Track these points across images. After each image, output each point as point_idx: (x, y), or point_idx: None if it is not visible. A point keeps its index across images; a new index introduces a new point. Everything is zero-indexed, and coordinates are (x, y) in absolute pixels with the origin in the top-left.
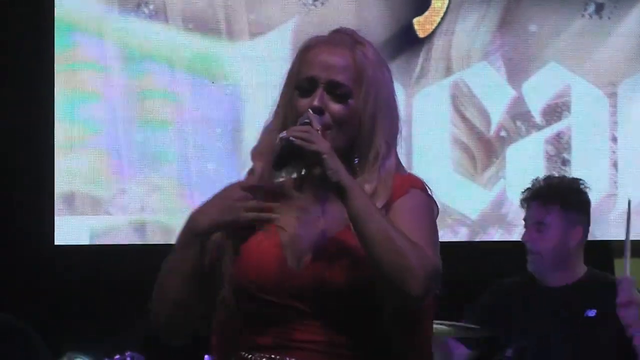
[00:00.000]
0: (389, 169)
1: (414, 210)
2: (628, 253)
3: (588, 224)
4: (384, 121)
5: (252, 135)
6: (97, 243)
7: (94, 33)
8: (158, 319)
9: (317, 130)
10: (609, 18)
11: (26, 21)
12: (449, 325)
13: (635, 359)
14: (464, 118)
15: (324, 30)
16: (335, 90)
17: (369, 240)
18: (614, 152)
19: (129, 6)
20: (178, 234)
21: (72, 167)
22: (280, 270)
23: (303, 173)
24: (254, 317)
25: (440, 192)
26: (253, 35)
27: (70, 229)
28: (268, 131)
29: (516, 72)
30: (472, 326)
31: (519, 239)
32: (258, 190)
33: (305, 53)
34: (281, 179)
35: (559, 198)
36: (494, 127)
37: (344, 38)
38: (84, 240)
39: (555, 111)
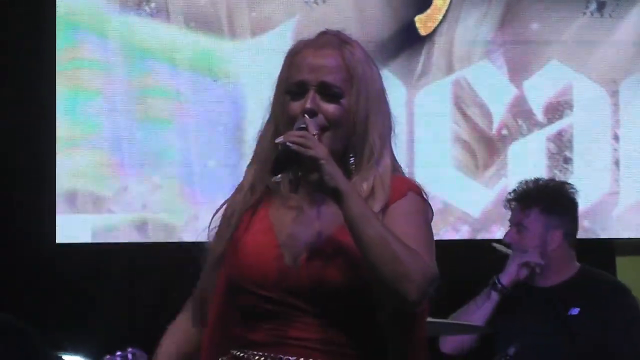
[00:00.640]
0: (385, 168)
1: (411, 214)
2: None
3: (572, 227)
4: (376, 118)
5: (254, 133)
6: (99, 241)
7: (96, 31)
8: None
9: (314, 135)
10: (611, 16)
11: (27, 19)
12: (450, 323)
13: (615, 357)
14: (465, 116)
15: (325, 26)
16: (327, 91)
17: (366, 245)
18: (615, 150)
19: (130, 4)
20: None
21: (73, 165)
22: (277, 268)
23: (299, 175)
24: (249, 314)
25: (441, 190)
26: (255, 33)
27: (71, 228)
28: (262, 139)
29: (518, 70)
30: (472, 324)
31: None
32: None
33: (293, 57)
34: (277, 180)
35: (539, 201)
36: (495, 125)
37: (330, 39)
38: (86, 239)
39: (557, 109)
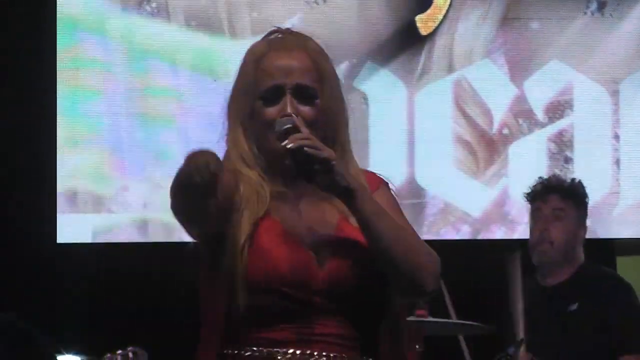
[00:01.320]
0: (355, 164)
1: (394, 207)
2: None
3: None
4: (344, 114)
5: None
6: (100, 241)
7: (97, 30)
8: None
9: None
10: (612, 15)
11: (28, 19)
12: (452, 323)
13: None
14: (466, 116)
15: (328, 28)
16: (303, 94)
17: (382, 241)
18: (616, 149)
19: (131, 4)
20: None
21: (74, 164)
22: (306, 269)
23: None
24: (270, 314)
25: (442, 190)
26: (255, 33)
27: (72, 227)
28: (236, 145)
29: (518, 70)
30: (475, 323)
31: (522, 237)
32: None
33: (259, 61)
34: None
35: (574, 195)
36: (496, 125)
37: (293, 39)
38: (87, 239)
39: (558, 109)
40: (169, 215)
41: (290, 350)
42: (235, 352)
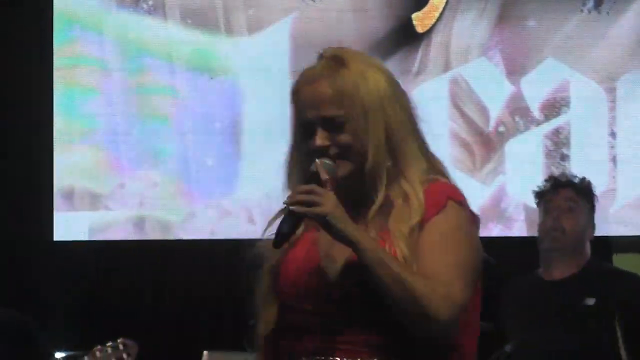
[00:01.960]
0: (412, 176)
1: (448, 233)
2: None
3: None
4: (382, 128)
5: (251, 130)
6: (96, 239)
7: (93, 28)
8: None
9: (326, 179)
10: (608, 13)
11: (25, 16)
12: None
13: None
14: (462, 113)
15: (323, 25)
16: (331, 124)
17: (384, 290)
18: (612, 147)
19: (127, 1)
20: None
21: (71, 162)
22: (320, 281)
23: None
24: (297, 327)
25: None
26: (252, 30)
27: (69, 225)
28: (288, 164)
29: (515, 68)
30: None
31: (519, 235)
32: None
33: (295, 95)
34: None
35: (586, 192)
36: (492, 123)
37: (322, 67)
38: (83, 236)
39: (554, 106)
40: (165, 213)
41: (313, 358)
42: None
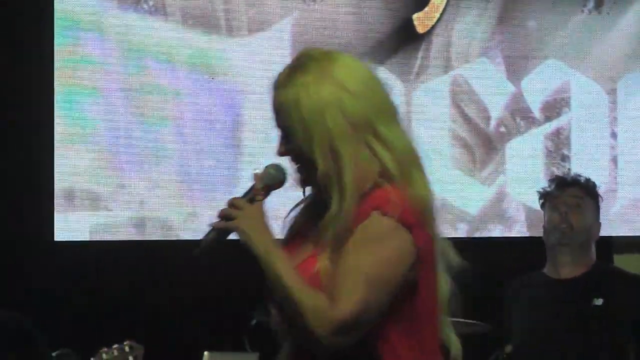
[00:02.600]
0: (344, 187)
1: (362, 242)
2: None
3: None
4: (319, 138)
5: (251, 131)
6: (97, 239)
7: (94, 29)
8: None
9: (258, 189)
10: (609, 14)
11: (26, 16)
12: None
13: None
14: (463, 114)
15: (324, 26)
16: (284, 132)
17: (280, 304)
18: (613, 147)
19: (128, 2)
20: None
21: (71, 163)
22: None
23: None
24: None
25: (440, 188)
26: (252, 31)
27: (70, 225)
28: None
29: (515, 68)
30: (469, 321)
31: (518, 235)
32: None
33: None
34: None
35: (591, 192)
36: (493, 123)
37: (282, 75)
38: (84, 237)
39: (555, 107)
40: (166, 213)
41: None
42: None
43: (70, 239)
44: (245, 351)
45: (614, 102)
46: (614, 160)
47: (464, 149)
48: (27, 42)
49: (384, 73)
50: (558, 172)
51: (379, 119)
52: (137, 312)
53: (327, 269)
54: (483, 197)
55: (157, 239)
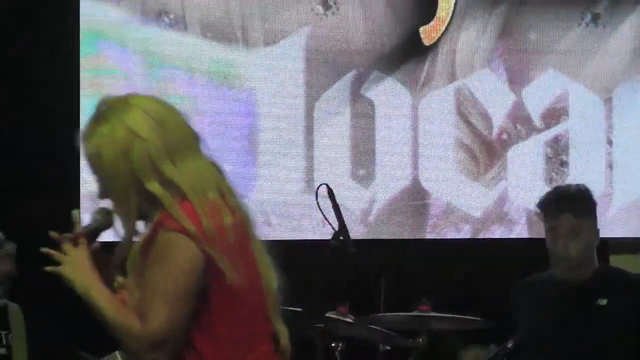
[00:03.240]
0: (128, 216)
1: (154, 263)
2: None
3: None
4: (104, 174)
5: (267, 137)
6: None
7: (117, 41)
8: None
9: (78, 233)
10: (605, 27)
11: (53, 29)
12: (449, 318)
13: None
14: (467, 122)
15: (335, 38)
16: (96, 179)
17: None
18: (609, 153)
19: (150, 15)
20: None
21: None
22: None
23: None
24: None
25: (445, 192)
26: (267, 43)
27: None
28: None
29: (517, 78)
30: (472, 318)
31: (519, 236)
32: None
33: None
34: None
35: (588, 209)
36: (495, 130)
37: (86, 126)
38: (109, 237)
39: (554, 115)
40: None
41: None
42: None
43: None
44: None
45: (609, 110)
46: (610, 165)
47: (468, 155)
48: (54, 53)
49: (392, 82)
50: (557, 177)
51: (174, 154)
52: None
53: (131, 292)
54: (486, 200)
55: None
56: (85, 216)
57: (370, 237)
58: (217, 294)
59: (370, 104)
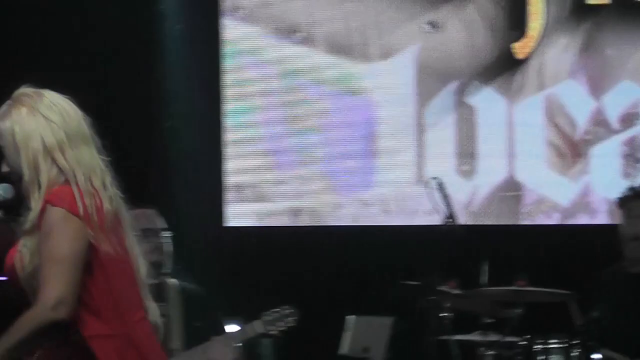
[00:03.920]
0: (38, 191)
1: (45, 235)
2: None
3: None
4: (22, 158)
5: (384, 137)
6: (261, 225)
7: (256, 55)
8: None
9: None
10: None
11: (201, 45)
12: (542, 292)
13: None
14: (555, 124)
15: (442, 53)
16: (4, 155)
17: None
18: None
19: (283, 33)
20: None
21: (240, 163)
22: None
23: None
24: None
25: (536, 184)
26: (383, 57)
27: (239, 214)
28: None
29: (597, 88)
30: (561, 291)
31: (601, 222)
32: None
33: None
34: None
35: None
36: (579, 132)
37: (4, 107)
38: (251, 223)
39: (629, 119)
40: (317, 204)
41: None
42: None
43: (240, 225)
44: (382, 316)
45: None
46: None
47: (556, 153)
48: (203, 66)
49: (490, 91)
50: (633, 171)
51: (69, 142)
52: (294, 283)
53: (22, 254)
54: (572, 191)
55: (308, 224)
56: None
57: (473, 223)
58: (98, 265)
59: (471, 109)
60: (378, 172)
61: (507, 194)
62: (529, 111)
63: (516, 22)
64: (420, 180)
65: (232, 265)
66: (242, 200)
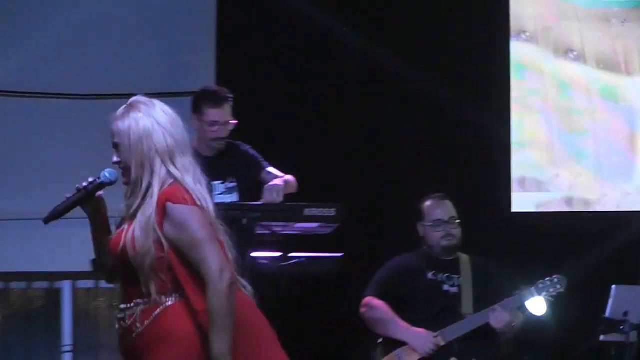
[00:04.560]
0: (150, 187)
1: (180, 227)
2: None
3: None
4: (133, 155)
5: None
6: (540, 211)
7: (536, 70)
8: None
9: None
10: None
11: (488, 63)
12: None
13: None
14: None
15: None
16: (116, 149)
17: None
18: None
19: (560, 52)
20: None
21: (522, 160)
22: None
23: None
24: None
25: None
26: None
27: (521, 201)
28: None
29: None
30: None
31: None
32: None
33: None
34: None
35: None
36: None
37: (121, 110)
38: (532, 209)
39: None
40: (588, 194)
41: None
42: None
43: (522, 211)
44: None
45: None
46: None
47: None
48: (493, 81)
49: None
50: None
51: (178, 147)
52: (559, 263)
53: (139, 235)
54: None
55: (581, 210)
56: None
57: None
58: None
59: None
60: (637, 167)
61: None
62: None
63: None
64: None
65: (515, 244)
66: (525, 191)
